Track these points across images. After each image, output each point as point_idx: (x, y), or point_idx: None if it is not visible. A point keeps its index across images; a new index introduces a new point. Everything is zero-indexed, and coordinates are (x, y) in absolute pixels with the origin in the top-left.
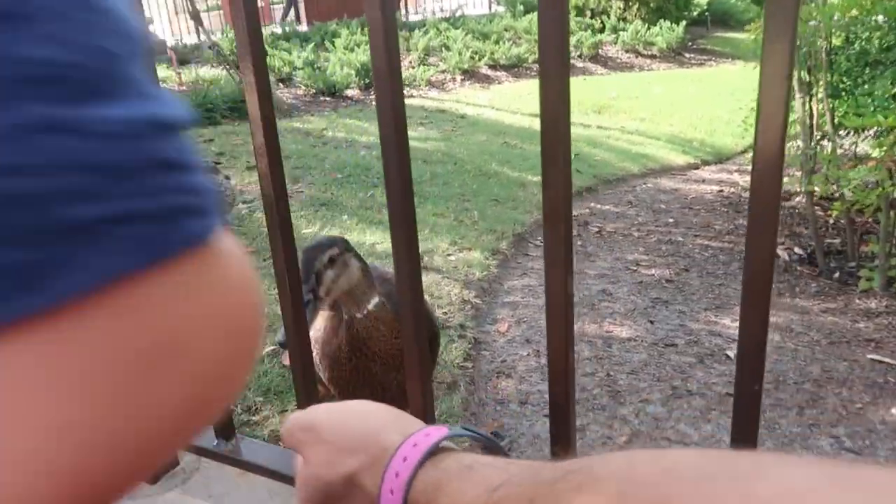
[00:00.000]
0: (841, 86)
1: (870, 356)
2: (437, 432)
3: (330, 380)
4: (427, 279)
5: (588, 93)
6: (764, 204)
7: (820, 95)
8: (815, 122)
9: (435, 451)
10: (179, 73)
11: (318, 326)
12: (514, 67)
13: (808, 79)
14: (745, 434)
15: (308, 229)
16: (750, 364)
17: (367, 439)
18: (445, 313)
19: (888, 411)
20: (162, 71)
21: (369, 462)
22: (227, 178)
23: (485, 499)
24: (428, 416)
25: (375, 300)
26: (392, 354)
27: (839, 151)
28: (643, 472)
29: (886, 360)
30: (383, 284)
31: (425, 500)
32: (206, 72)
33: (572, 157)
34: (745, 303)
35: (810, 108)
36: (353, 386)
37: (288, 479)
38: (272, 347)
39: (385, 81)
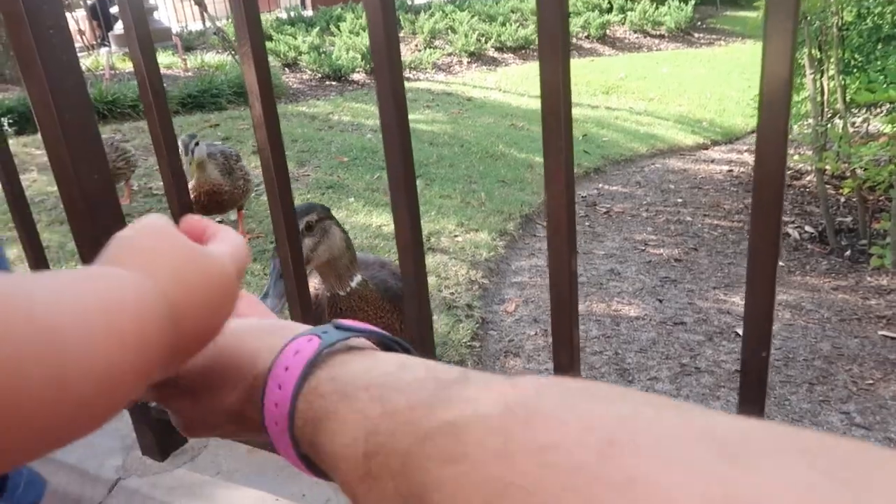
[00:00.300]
0: (853, 62)
1: (881, 332)
2: (308, 346)
3: None
4: (434, 260)
5: (596, 74)
6: (769, 159)
7: (831, 72)
8: (826, 99)
9: (315, 364)
10: (185, 60)
11: None
12: (521, 49)
13: (819, 55)
14: (752, 404)
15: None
16: (757, 329)
17: (241, 368)
18: (452, 293)
19: None
20: (167, 58)
21: (246, 394)
22: (238, 158)
23: (361, 450)
24: None
25: (358, 278)
26: None
27: (850, 129)
28: (521, 463)
29: None
30: (366, 270)
31: (309, 435)
32: (212, 58)
33: (581, 137)
34: (752, 266)
35: (821, 85)
36: None
37: None
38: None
39: (384, 58)
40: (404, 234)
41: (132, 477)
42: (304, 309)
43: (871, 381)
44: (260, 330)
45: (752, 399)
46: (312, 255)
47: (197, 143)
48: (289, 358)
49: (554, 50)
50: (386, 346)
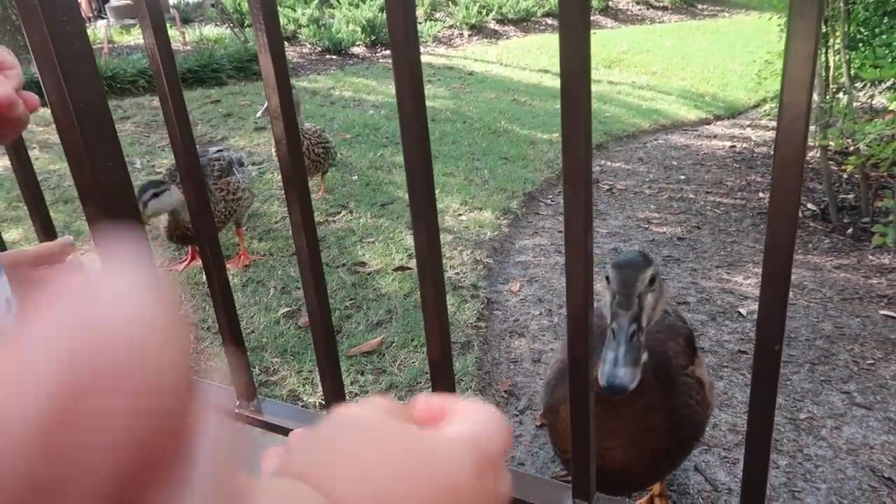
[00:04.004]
0: (858, 36)
1: (882, 312)
2: None
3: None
4: None
5: (598, 47)
6: (788, 166)
7: (837, 46)
8: (831, 74)
9: None
10: (183, 33)
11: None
12: (523, 22)
13: (824, 29)
14: (764, 395)
15: (317, 194)
16: (771, 325)
17: None
18: (458, 274)
19: None
20: None
21: None
22: (242, 163)
23: None
24: (448, 372)
25: (645, 355)
26: (635, 429)
27: (855, 104)
28: None
29: None
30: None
31: None
32: (211, 31)
33: None
34: (767, 269)
35: (826, 59)
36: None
37: None
38: (287, 309)
39: (401, 39)
40: (422, 250)
41: None
42: (315, 266)
43: (871, 361)
44: None
45: (765, 390)
46: (653, 315)
47: (156, 195)
48: None
49: (575, 30)
50: None
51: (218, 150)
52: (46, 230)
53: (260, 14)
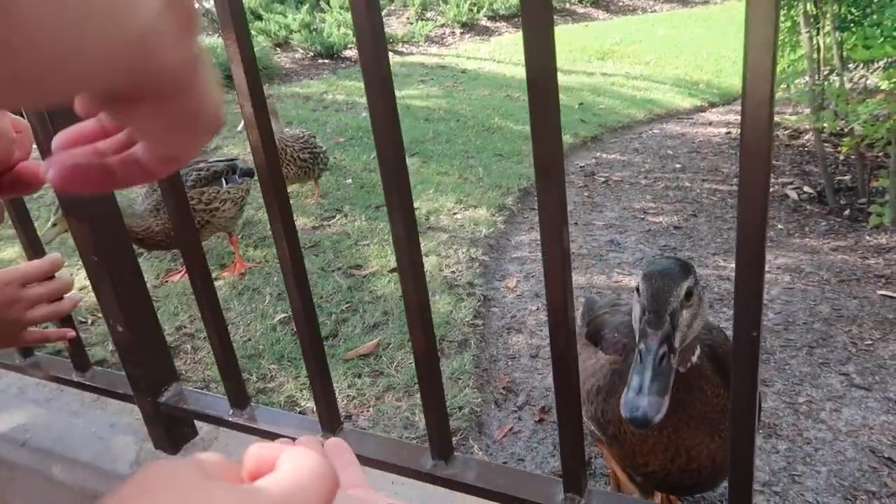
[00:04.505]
0: (849, 17)
1: (880, 292)
2: None
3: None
4: (434, 239)
5: (590, 39)
6: (755, 155)
7: (827, 28)
8: (822, 56)
9: None
10: None
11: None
12: (514, 17)
13: (814, 11)
14: (746, 377)
15: (311, 199)
16: (747, 310)
17: None
18: (453, 272)
19: None
20: None
21: None
22: (235, 169)
23: None
24: (434, 375)
25: (698, 350)
26: (711, 419)
27: (848, 85)
28: None
29: None
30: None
31: None
32: (202, 40)
33: (577, 106)
34: (740, 258)
35: (817, 42)
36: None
37: None
38: (283, 315)
39: (368, 41)
40: (397, 222)
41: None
42: (298, 272)
43: (870, 342)
44: None
45: (745, 377)
46: (688, 333)
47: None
48: None
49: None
50: None
51: (218, 160)
52: (34, 248)
53: (230, 24)
